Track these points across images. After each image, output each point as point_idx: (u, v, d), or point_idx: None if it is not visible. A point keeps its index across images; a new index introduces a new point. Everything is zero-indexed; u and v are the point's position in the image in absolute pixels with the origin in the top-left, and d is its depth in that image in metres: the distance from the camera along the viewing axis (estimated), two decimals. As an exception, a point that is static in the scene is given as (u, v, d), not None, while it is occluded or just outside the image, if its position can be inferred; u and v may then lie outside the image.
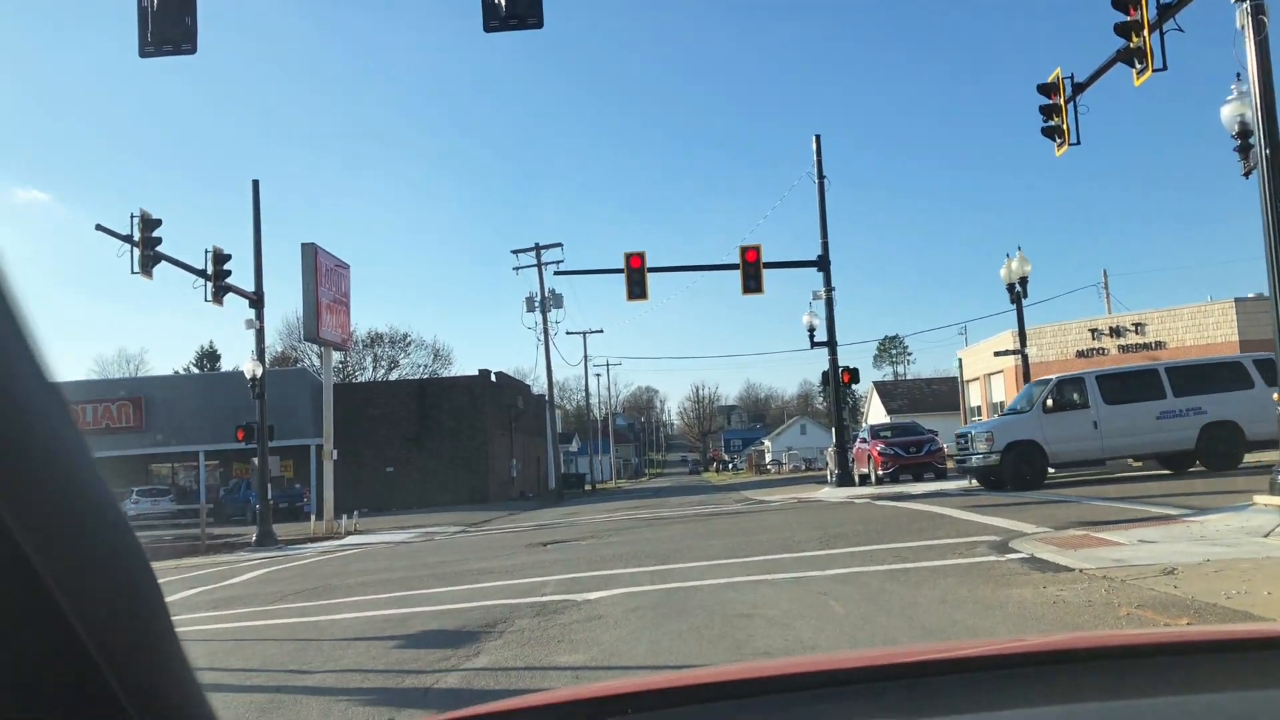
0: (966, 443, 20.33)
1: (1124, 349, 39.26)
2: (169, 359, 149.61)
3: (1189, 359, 25.67)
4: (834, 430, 30.23)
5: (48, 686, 0.67)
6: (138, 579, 0.75)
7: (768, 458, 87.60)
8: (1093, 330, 40.49)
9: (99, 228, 21.60)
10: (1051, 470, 20.14)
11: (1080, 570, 8.24)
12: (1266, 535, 9.32)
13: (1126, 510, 13.26)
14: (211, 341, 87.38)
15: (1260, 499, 10.83)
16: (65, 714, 0.68)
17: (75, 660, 0.66)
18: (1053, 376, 20.70)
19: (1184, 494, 14.96)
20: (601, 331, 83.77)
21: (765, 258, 27.30)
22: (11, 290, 0.64)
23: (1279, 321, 10.71)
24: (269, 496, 26.12)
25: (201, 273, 24.03)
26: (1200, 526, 10.53)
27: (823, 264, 28.68)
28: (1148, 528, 10.87)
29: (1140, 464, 25.21)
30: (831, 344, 28.86)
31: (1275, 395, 10.78)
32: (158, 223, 22.13)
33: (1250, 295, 36.44)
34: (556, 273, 38.03)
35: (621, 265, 27.23)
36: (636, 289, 27.16)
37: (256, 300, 25.84)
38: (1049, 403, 19.19)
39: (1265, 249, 10.75)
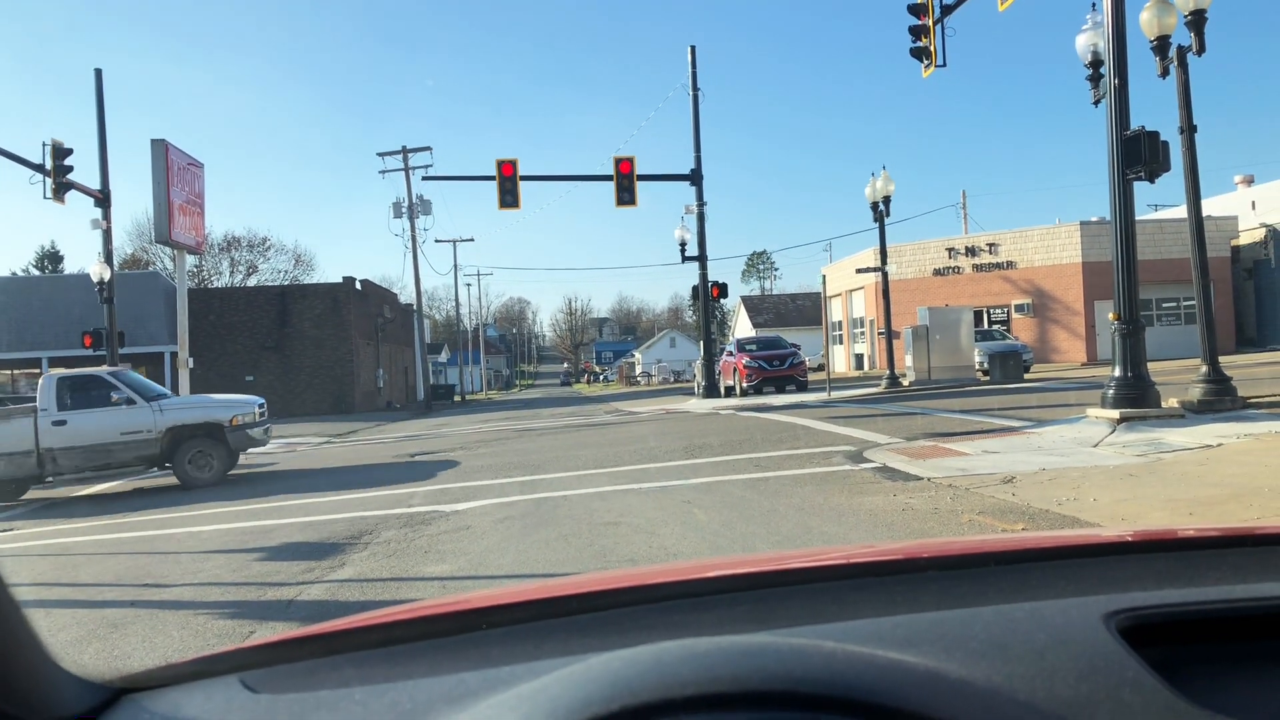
0: None
1: (978, 268, 40.96)
2: (3, 259, 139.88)
3: None
4: (702, 343, 30.74)
5: None
6: None
7: (638, 370, 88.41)
8: (950, 249, 42.01)
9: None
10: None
11: (928, 479, 8.70)
12: (1095, 445, 10.02)
13: (973, 422, 14.01)
14: (53, 241, 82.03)
15: (1092, 412, 11.60)
16: None
17: None
18: None
19: (1026, 407, 15.89)
20: (473, 240, 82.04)
21: (639, 170, 27.18)
22: None
23: (1119, 243, 11.34)
24: (120, 406, 24.97)
25: (39, 167, 22.38)
26: (1039, 438, 11.22)
27: (695, 178, 28.75)
28: (991, 439, 11.53)
29: (987, 378, 26.59)
30: (702, 258, 29.12)
31: (1110, 315, 11.46)
32: (-14, 112, 20.46)
33: (1094, 219, 38.50)
34: (425, 178, 36.87)
35: (493, 172, 26.69)
36: (509, 197, 26.70)
37: (102, 199, 24.32)
38: None
39: (1109, 174, 11.31)
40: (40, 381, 14.40)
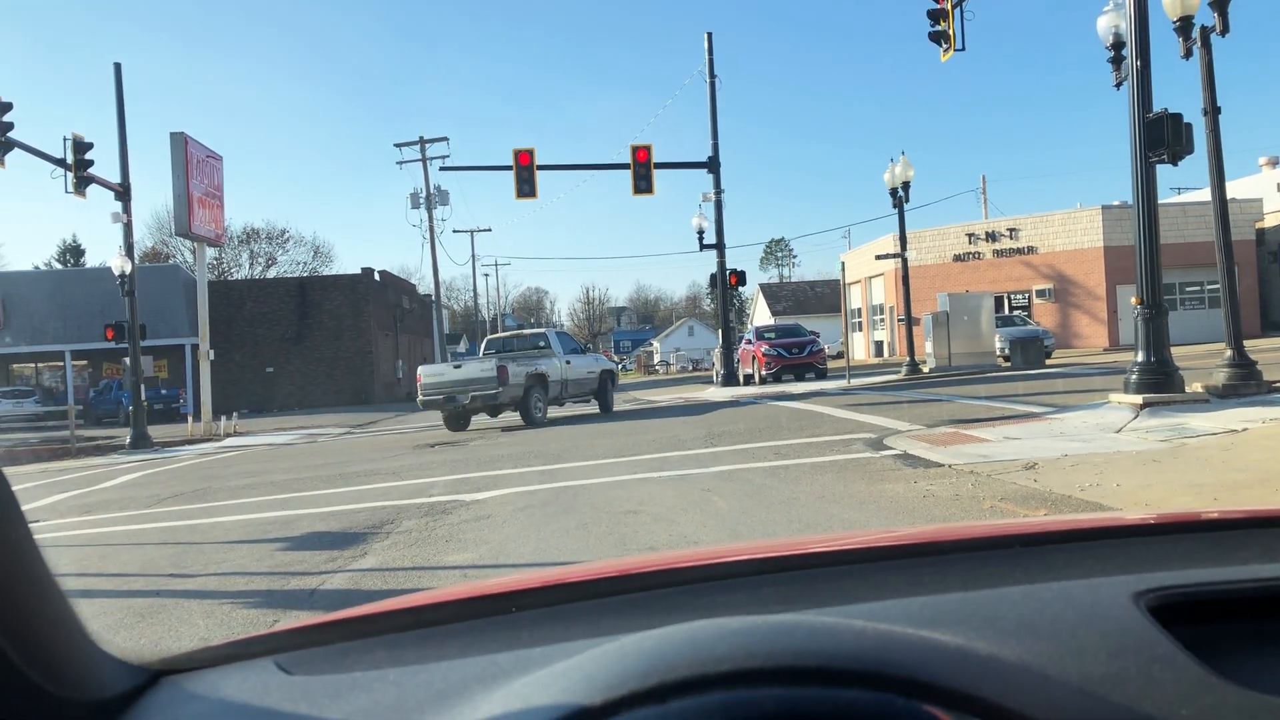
0: None
1: (999, 253, 40.71)
2: (26, 254, 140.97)
3: None
4: (720, 331, 30.71)
5: None
6: None
7: (656, 358, 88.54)
8: (970, 235, 41.77)
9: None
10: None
11: (949, 465, 8.65)
12: (1118, 431, 9.95)
13: (994, 408, 13.94)
14: (75, 235, 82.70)
15: (1115, 397, 11.51)
16: None
17: None
18: None
19: (1048, 393, 15.80)
20: (490, 230, 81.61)
21: (656, 158, 27.12)
22: None
23: (1141, 227, 11.24)
24: (143, 397, 25.22)
25: (61, 162, 22.55)
26: (1060, 424, 11.15)
27: (713, 165, 28.65)
28: (1013, 425, 11.47)
29: (1008, 364, 26.45)
30: (720, 246, 29.05)
31: (1133, 300, 11.37)
32: (8, 106, 20.61)
33: (1115, 203, 38.15)
34: (442, 168, 36.76)
35: (510, 162, 26.69)
36: (526, 187, 26.70)
37: (123, 192, 24.49)
38: None
39: (1131, 157, 11.20)
40: (547, 333, 20.94)
